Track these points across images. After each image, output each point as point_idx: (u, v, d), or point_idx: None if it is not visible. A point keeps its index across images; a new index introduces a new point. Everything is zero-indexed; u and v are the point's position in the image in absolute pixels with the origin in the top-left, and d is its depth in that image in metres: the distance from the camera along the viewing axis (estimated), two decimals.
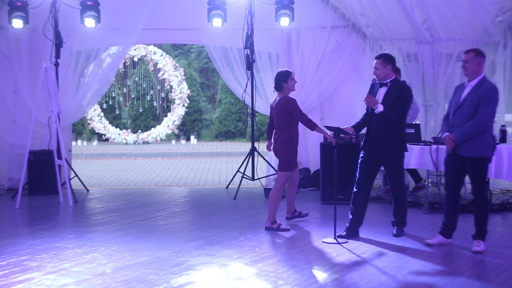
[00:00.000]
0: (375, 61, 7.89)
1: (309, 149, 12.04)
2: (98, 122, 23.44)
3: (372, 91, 7.84)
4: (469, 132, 7.05)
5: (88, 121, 23.58)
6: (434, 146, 9.47)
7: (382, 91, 7.83)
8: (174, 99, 23.90)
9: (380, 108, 7.67)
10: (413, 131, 10.04)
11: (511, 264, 6.66)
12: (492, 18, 11.34)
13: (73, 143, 18.76)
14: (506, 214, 9.41)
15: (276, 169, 11.70)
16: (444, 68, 11.58)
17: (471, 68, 7.16)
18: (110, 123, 23.83)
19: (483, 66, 7.22)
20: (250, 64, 11.31)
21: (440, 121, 9.52)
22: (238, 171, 11.57)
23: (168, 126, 23.76)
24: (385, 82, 7.82)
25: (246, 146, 18.48)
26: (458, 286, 5.92)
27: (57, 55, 11.06)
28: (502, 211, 9.50)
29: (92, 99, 12.34)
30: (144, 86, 24.16)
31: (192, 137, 24.28)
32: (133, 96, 24.54)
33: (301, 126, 8.60)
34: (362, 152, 7.95)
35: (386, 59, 7.84)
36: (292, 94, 8.54)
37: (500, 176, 9.77)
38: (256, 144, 11.57)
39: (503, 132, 10.17)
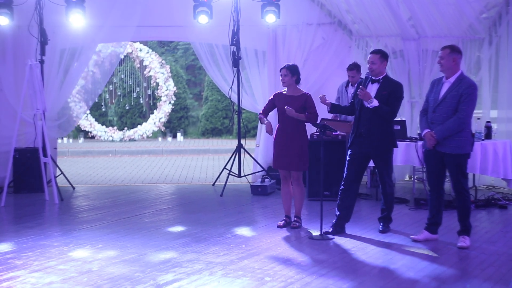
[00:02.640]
0: (371, 55, 7.83)
1: None
2: (84, 119, 23.35)
3: (364, 85, 7.82)
4: (451, 129, 7.07)
5: (74, 119, 23.46)
6: (419, 143, 9.51)
7: (374, 87, 7.80)
8: (161, 96, 23.86)
9: (375, 102, 7.63)
10: (399, 127, 10.07)
11: (496, 260, 6.70)
12: (477, 15, 11.40)
13: (59, 141, 18.66)
14: (491, 210, 9.47)
15: (263, 166, 11.79)
16: (430, 65, 11.62)
17: (447, 65, 7.17)
18: (96, 120, 23.75)
19: (459, 63, 7.22)
20: (236, 61, 11.31)
21: None
22: (224, 168, 11.56)
23: (154, 123, 23.72)
24: (377, 78, 7.82)
25: (232, 143, 18.45)
26: (443, 282, 5.94)
27: (42, 53, 11.00)
28: (487, 207, 9.55)
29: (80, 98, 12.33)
30: (130, 83, 24.10)
31: (178, 134, 24.25)
32: (119, 93, 24.47)
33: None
34: (349, 151, 7.94)
35: (383, 55, 7.84)
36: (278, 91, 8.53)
37: (486, 172, 9.84)
38: (242, 141, 11.56)
39: (488, 129, 10.22)
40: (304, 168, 8.25)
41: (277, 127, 8.33)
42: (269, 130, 8.25)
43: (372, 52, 7.96)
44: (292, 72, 8.21)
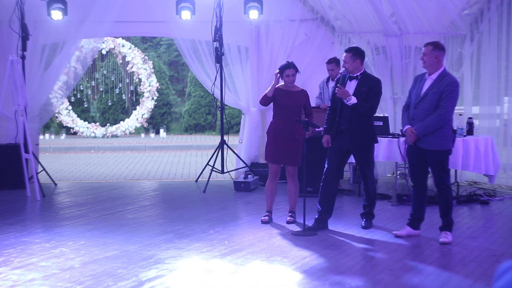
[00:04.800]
0: (345, 54, 7.88)
1: None
2: (66, 115, 23.25)
3: (343, 83, 7.85)
4: (431, 126, 7.10)
5: (56, 115, 23.37)
6: (402, 139, 9.54)
7: (352, 84, 7.83)
8: (143, 92, 23.80)
9: (353, 100, 7.65)
10: (381, 123, 10.10)
11: (477, 255, 6.74)
12: (459, 11, 11.46)
13: (41, 137, 18.60)
14: (473, 205, 9.52)
15: (246, 162, 11.78)
16: (412, 61, 11.68)
17: (429, 62, 7.19)
18: (78, 116, 23.67)
19: (442, 59, 7.24)
20: (219, 57, 11.29)
21: None
22: (207, 164, 11.55)
23: (137, 119, 23.66)
24: (355, 75, 7.84)
25: (215, 139, 18.47)
26: (425, 277, 5.97)
27: (24, 48, 10.93)
28: (469, 203, 9.61)
29: (63, 94, 12.24)
30: (112, 79, 24.03)
31: (161, 131, 24.21)
32: (101, 89, 24.39)
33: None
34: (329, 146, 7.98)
35: (355, 53, 7.84)
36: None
37: (467, 168, 9.89)
38: (225, 137, 11.56)
39: (470, 125, 10.27)
40: (300, 163, 8.26)
41: (272, 121, 8.33)
42: (276, 79, 8.19)
43: (345, 51, 7.99)
44: (296, 70, 8.23)
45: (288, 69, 8.17)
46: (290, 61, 8.33)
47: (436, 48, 7.19)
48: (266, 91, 8.23)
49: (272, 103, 8.33)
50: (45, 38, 11.66)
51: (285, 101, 8.18)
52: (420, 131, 7.16)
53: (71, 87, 13.90)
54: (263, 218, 8.40)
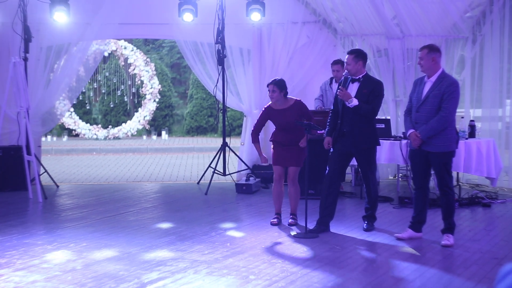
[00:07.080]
0: (347, 56, 7.90)
1: None
2: (68, 117, 23.25)
3: (345, 85, 7.85)
4: (434, 128, 7.10)
5: (58, 116, 23.35)
6: (404, 141, 9.55)
7: (354, 86, 7.83)
8: (145, 94, 23.80)
9: (354, 102, 7.66)
10: (383, 126, 10.10)
11: (479, 258, 6.73)
12: (461, 14, 11.46)
13: (43, 139, 18.58)
14: (474, 208, 9.52)
15: (249, 165, 11.78)
16: (414, 64, 11.68)
17: (426, 65, 7.20)
18: (80, 118, 23.66)
19: (439, 61, 7.24)
20: (221, 59, 11.29)
21: None
22: (209, 166, 11.55)
23: (139, 121, 23.66)
24: (357, 77, 7.84)
25: (217, 142, 18.43)
26: (427, 280, 5.96)
27: (26, 50, 10.93)
28: (471, 205, 9.60)
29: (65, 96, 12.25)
30: (114, 81, 24.03)
31: (163, 133, 24.20)
32: (103, 91, 24.40)
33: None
34: (332, 149, 7.97)
35: (358, 55, 7.85)
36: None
37: (469, 171, 9.89)
38: (227, 140, 11.56)
39: (472, 127, 10.28)
40: (301, 164, 8.28)
41: (274, 131, 8.41)
42: (264, 161, 8.41)
43: (348, 53, 8.00)
44: (280, 88, 8.14)
45: (270, 84, 8.20)
46: (278, 78, 8.28)
47: (432, 51, 7.21)
48: (255, 128, 8.45)
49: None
50: (49, 40, 11.66)
51: (279, 120, 8.26)
52: (424, 134, 7.16)
53: (73, 89, 13.88)
54: (271, 220, 8.42)
